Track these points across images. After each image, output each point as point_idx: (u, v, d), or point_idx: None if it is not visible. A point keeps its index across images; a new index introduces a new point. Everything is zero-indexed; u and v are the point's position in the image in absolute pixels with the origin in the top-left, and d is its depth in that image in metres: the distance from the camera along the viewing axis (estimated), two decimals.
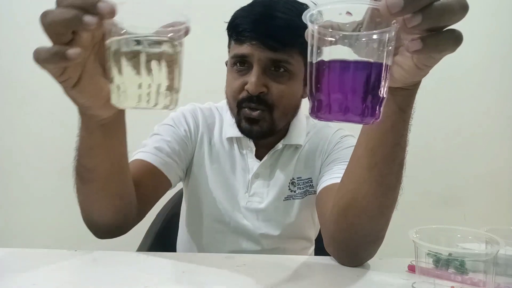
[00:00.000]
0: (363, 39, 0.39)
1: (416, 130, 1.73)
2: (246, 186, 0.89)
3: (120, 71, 0.43)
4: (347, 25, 0.42)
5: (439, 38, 0.38)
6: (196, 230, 0.93)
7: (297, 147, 0.90)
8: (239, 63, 0.80)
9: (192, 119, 0.90)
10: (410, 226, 0.52)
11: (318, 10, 0.40)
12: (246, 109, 0.80)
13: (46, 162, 1.76)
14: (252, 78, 0.77)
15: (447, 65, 1.87)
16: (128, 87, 0.43)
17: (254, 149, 0.89)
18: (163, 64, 0.44)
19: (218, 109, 0.95)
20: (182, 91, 0.47)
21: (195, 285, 0.55)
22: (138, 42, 0.43)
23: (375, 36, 0.38)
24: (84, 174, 0.63)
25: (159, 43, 0.44)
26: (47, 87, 1.73)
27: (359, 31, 0.42)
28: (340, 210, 0.63)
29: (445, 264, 0.49)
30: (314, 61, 0.40)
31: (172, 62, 0.45)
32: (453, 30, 0.39)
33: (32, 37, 1.85)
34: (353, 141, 0.86)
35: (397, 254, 0.65)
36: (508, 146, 1.78)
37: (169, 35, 0.44)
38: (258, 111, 0.80)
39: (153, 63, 0.43)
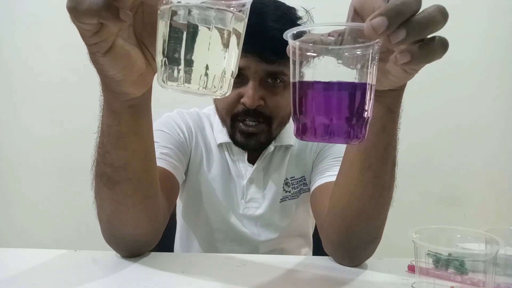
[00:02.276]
0: (347, 54, 0.38)
1: (416, 130, 1.74)
2: (242, 193, 0.88)
3: (181, 46, 0.37)
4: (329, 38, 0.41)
5: (427, 48, 0.38)
6: (193, 240, 0.93)
7: (287, 147, 0.89)
8: None
9: (184, 125, 0.87)
10: (410, 226, 0.52)
11: (300, 30, 0.39)
12: (242, 124, 0.79)
13: (45, 162, 1.76)
14: (249, 92, 0.75)
15: (447, 64, 1.85)
16: (188, 66, 0.37)
17: (246, 154, 0.87)
18: (232, 42, 0.38)
19: (206, 115, 0.92)
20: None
21: (195, 285, 0.55)
22: (206, 14, 0.36)
23: (358, 52, 0.37)
24: (113, 175, 0.55)
25: (229, 17, 0.37)
26: (47, 87, 1.74)
27: (341, 43, 0.41)
28: (337, 212, 0.63)
29: (445, 264, 0.49)
30: (297, 81, 0.39)
31: (239, 42, 0.39)
32: (439, 38, 0.38)
33: (32, 37, 1.87)
34: None
35: (397, 254, 0.65)
36: (508, 146, 1.78)
37: (237, 10, 0.38)
38: (255, 125, 0.78)
39: (219, 40, 0.37)
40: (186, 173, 0.88)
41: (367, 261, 0.65)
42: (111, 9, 0.36)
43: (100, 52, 0.41)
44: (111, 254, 0.65)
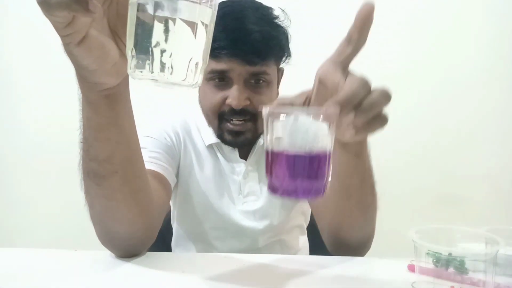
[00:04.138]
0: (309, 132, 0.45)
1: (416, 130, 1.74)
2: (239, 188, 0.89)
3: (149, 35, 0.38)
4: (297, 98, 0.51)
5: (369, 125, 0.45)
6: (191, 244, 0.93)
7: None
8: (217, 78, 0.79)
9: (171, 129, 0.89)
10: (410, 226, 0.52)
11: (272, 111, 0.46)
12: (229, 123, 0.81)
13: (45, 162, 1.76)
14: (234, 93, 0.77)
15: (448, 65, 1.85)
16: (156, 55, 0.38)
17: (236, 150, 0.89)
18: (200, 31, 0.40)
19: (192, 118, 0.93)
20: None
21: (195, 285, 0.55)
22: (172, 5, 0.38)
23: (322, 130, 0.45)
24: (99, 170, 0.55)
25: (195, 8, 0.39)
26: (47, 87, 1.74)
27: (308, 104, 0.50)
28: (332, 229, 0.71)
29: (445, 263, 0.49)
30: (269, 150, 0.46)
31: (207, 34, 0.41)
32: (379, 118, 0.45)
33: (31, 37, 1.87)
34: None
35: (397, 254, 0.65)
36: (508, 146, 1.78)
37: (206, 4, 0.40)
38: (242, 123, 0.81)
39: (184, 31, 0.39)
40: (177, 177, 0.89)
41: (367, 261, 0.66)
42: (80, 1, 0.37)
43: (73, 43, 0.42)
44: (111, 254, 0.65)
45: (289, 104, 0.50)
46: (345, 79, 0.45)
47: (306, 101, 0.51)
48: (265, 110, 0.45)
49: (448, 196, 1.77)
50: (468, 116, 1.77)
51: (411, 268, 0.60)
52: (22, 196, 1.80)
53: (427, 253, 0.49)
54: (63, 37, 0.42)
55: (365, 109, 0.44)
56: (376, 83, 0.46)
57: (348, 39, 0.46)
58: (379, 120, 0.45)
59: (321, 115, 0.43)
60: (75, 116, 0.55)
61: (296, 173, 0.44)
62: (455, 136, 1.77)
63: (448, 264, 0.49)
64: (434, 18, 1.72)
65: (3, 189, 1.81)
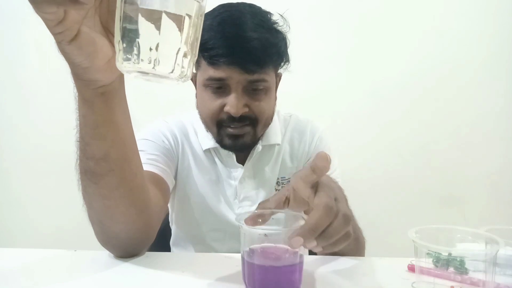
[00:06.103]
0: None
1: (416, 130, 1.74)
2: (235, 193, 0.89)
3: (135, 27, 0.38)
4: (276, 202, 0.56)
5: (333, 245, 0.48)
6: (191, 240, 0.93)
7: (275, 145, 0.92)
8: (215, 85, 0.79)
9: (169, 133, 0.89)
10: (410, 226, 0.52)
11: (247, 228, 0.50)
12: (228, 128, 0.81)
13: (46, 162, 1.76)
14: (233, 101, 0.77)
15: (448, 65, 1.84)
16: (143, 47, 0.38)
17: (234, 155, 0.89)
18: (187, 24, 0.40)
19: (189, 122, 0.93)
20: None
21: (195, 285, 0.55)
22: None
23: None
24: (95, 169, 0.55)
25: (182, 1, 0.39)
26: (47, 87, 1.74)
27: (288, 204, 0.56)
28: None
29: (445, 263, 0.49)
30: (248, 260, 0.49)
31: (195, 26, 0.41)
32: (338, 239, 0.48)
33: (31, 36, 1.87)
34: (328, 141, 0.96)
35: (397, 254, 0.65)
36: (508, 146, 1.78)
37: None
38: (241, 126, 0.80)
39: (174, 23, 0.39)
40: (175, 179, 0.89)
41: (367, 261, 0.65)
42: None
43: (65, 41, 0.42)
44: (111, 254, 0.65)
45: (269, 212, 0.55)
46: (315, 194, 0.50)
47: (286, 202, 0.57)
48: (244, 224, 0.50)
49: (448, 196, 1.78)
50: (468, 116, 1.77)
51: (411, 268, 0.60)
52: (22, 196, 1.81)
53: (427, 253, 0.49)
54: (55, 35, 0.42)
55: (326, 237, 0.47)
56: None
57: (313, 170, 0.50)
58: (342, 239, 0.49)
59: (288, 243, 0.47)
60: (75, 116, 0.55)
61: (267, 283, 0.49)
62: (455, 136, 1.77)
63: (448, 264, 0.49)
64: (434, 18, 1.72)
65: (3, 189, 1.81)
